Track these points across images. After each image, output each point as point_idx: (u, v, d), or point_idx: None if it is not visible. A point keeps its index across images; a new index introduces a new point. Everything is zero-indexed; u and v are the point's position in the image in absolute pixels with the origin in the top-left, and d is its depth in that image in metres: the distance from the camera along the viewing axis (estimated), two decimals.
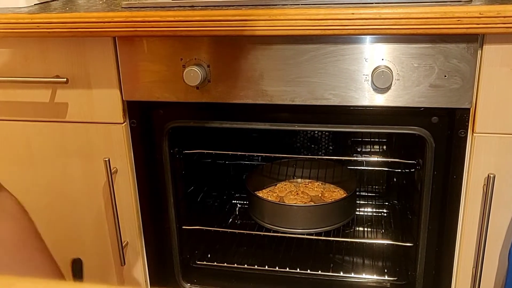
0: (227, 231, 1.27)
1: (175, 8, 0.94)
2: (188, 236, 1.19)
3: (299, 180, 1.43)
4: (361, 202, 1.42)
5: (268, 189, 1.37)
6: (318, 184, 1.38)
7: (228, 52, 0.94)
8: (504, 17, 0.80)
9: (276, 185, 1.39)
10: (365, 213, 1.40)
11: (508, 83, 0.88)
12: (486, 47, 0.86)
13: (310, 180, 1.41)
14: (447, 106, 0.90)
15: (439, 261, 1.03)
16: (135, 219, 1.11)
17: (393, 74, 0.89)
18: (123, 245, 1.12)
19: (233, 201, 1.47)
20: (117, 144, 1.05)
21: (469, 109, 0.91)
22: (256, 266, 1.20)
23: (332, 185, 1.38)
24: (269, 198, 1.29)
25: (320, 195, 1.34)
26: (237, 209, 1.44)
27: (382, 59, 0.89)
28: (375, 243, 1.26)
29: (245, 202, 1.41)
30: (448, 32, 0.84)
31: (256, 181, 1.36)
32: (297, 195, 1.32)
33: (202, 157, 1.25)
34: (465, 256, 1.00)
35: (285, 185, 1.38)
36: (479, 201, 0.95)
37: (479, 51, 0.87)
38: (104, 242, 1.14)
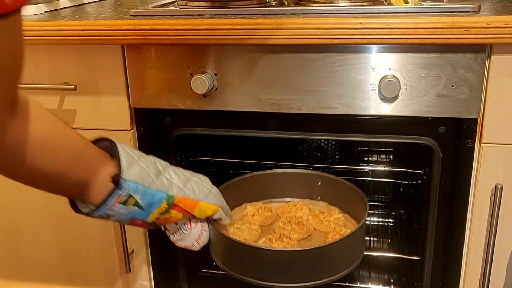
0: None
1: (183, 16, 0.95)
2: None
3: (296, 199, 1.09)
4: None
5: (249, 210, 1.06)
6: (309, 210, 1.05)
7: (235, 60, 0.94)
8: None
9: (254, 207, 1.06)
10: (371, 223, 1.39)
11: None
12: (494, 57, 0.86)
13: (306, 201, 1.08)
14: (455, 116, 0.90)
15: (446, 273, 1.02)
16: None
17: (401, 83, 0.89)
18: (129, 252, 1.12)
19: None
20: None
21: (476, 119, 0.91)
22: None
23: (333, 208, 1.06)
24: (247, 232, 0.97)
25: (314, 225, 1.01)
26: None
27: (390, 69, 0.89)
28: (381, 256, 1.25)
29: None
30: (455, 42, 0.84)
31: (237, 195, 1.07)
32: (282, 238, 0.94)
33: (209, 165, 1.25)
34: (472, 267, 0.99)
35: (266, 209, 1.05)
36: (487, 211, 0.94)
37: (487, 61, 0.86)
38: (110, 249, 1.14)
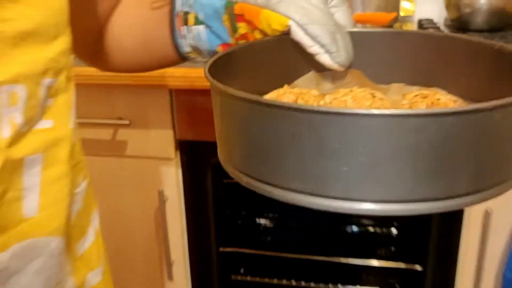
0: (258, 253, 1.43)
1: None
2: (225, 255, 1.36)
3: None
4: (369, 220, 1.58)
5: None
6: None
7: None
8: None
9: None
10: (375, 230, 1.56)
11: None
12: None
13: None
14: None
15: (446, 283, 1.20)
16: (181, 240, 1.29)
17: None
18: (171, 262, 1.29)
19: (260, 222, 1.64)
20: (168, 176, 1.23)
21: None
22: (284, 281, 1.38)
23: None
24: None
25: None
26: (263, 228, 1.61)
27: None
28: (383, 266, 1.41)
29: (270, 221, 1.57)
30: None
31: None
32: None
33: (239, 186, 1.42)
34: (465, 278, 1.17)
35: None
36: (479, 228, 1.12)
37: None
38: (153, 260, 1.32)
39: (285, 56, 0.51)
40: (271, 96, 0.48)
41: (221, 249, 1.33)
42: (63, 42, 0.44)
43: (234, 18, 0.52)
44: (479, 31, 1.43)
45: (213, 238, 1.29)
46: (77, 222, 0.49)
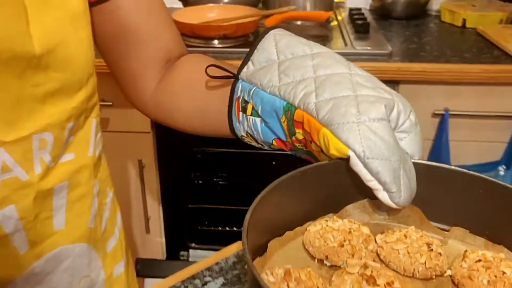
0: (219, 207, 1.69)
1: None
2: (193, 211, 1.62)
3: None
4: None
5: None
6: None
7: None
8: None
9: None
10: None
11: None
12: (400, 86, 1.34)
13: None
14: None
15: None
16: (157, 199, 1.53)
17: None
18: (148, 218, 1.54)
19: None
20: (146, 147, 1.45)
21: None
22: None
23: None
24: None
25: None
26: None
27: None
28: None
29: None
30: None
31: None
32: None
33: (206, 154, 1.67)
34: None
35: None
36: None
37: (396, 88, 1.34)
38: (133, 217, 1.56)
39: (339, 179, 0.46)
40: (316, 229, 0.44)
41: (190, 205, 1.59)
42: (85, 92, 0.50)
43: (293, 123, 0.48)
44: (398, 18, 1.72)
45: (183, 197, 1.55)
46: (107, 226, 0.59)
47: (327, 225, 0.44)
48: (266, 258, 0.41)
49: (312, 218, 0.46)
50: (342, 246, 0.42)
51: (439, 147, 1.39)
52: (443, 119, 1.35)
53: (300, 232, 0.45)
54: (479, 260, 0.42)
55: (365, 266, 0.39)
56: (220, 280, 0.54)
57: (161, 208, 1.56)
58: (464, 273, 0.41)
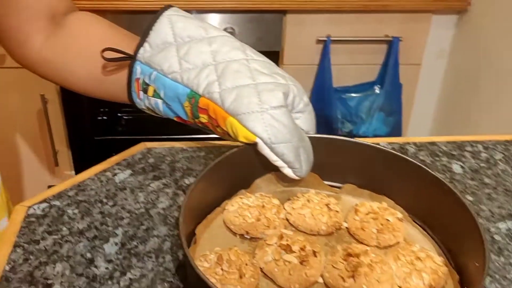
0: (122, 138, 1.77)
1: None
2: (99, 143, 1.68)
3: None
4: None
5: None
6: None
7: None
8: None
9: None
10: None
11: None
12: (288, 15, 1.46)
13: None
14: None
15: None
16: (63, 134, 1.58)
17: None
18: (56, 151, 1.58)
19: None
20: (48, 82, 1.47)
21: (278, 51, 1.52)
22: None
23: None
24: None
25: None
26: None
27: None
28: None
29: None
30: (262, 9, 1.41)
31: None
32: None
33: None
34: None
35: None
36: None
37: (284, 18, 1.47)
38: (40, 152, 1.59)
39: (249, 160, 0.53)
40: (234, 209, 0.52)
41: (95, 138, 1.65)
42: None
43: (197, 109, 0.51)
44: None
45: (89, 130, 1.60)
46: None
47: (242, 203, 0.52)
48: (196, 244, 0.48)
49: (228, 197, 0.54)
50: (259, 220, 0.50)
51: (322, 71, 1.55)
52: (325, 45, 1.51)
53: (219, 211, 0.53)
54: (369, 213, 0.52)
55: (281, 237, 0.48)
56: (128, 172, 0.64)
57: (68, 141, 1.60)
58: (358, 225, 0.51)
